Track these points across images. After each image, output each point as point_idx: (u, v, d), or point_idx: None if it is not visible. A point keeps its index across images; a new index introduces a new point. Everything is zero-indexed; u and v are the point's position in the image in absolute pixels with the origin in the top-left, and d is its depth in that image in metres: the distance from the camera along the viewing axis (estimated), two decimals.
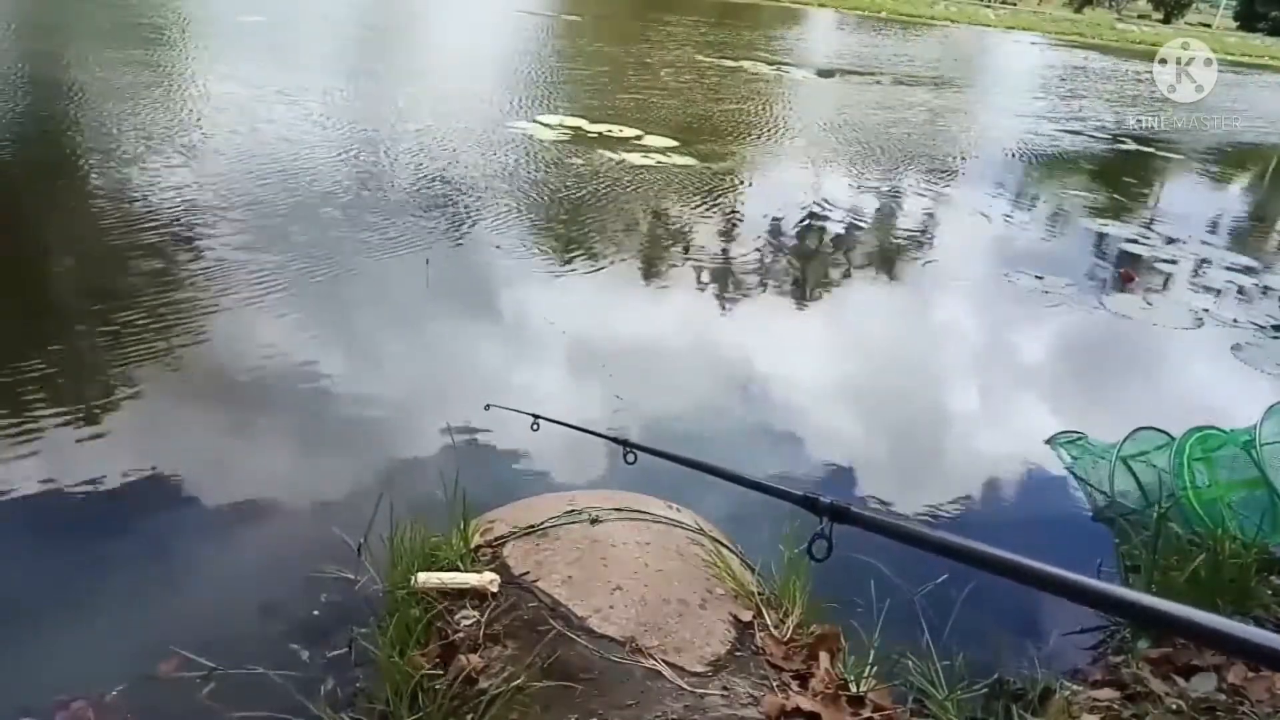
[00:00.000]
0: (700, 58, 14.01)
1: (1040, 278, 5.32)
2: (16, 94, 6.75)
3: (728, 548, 2.08)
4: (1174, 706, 1.77)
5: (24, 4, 11.71)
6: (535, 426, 2.43)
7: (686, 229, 5.54)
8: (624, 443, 1.93)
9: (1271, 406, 2.71)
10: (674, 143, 7.70)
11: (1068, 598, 0.78)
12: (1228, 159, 11.50)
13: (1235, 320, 4.98)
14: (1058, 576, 0.79)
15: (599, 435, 2.34)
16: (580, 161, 6.70)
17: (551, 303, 4.20)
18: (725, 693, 1.59)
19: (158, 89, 7.47)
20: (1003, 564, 0.85)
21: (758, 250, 5.36)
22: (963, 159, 9.05)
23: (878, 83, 13.96)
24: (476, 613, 1.80)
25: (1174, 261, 6.08)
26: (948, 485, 3.07)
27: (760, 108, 10.33)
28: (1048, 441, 3.34)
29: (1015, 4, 47.55)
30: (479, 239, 4.89)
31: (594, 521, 2.04)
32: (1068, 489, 3.08)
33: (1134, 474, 2.81)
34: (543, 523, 2.05)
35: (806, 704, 1.53)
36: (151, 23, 11.19)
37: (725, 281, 4.82)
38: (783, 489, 1.23)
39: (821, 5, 30.95)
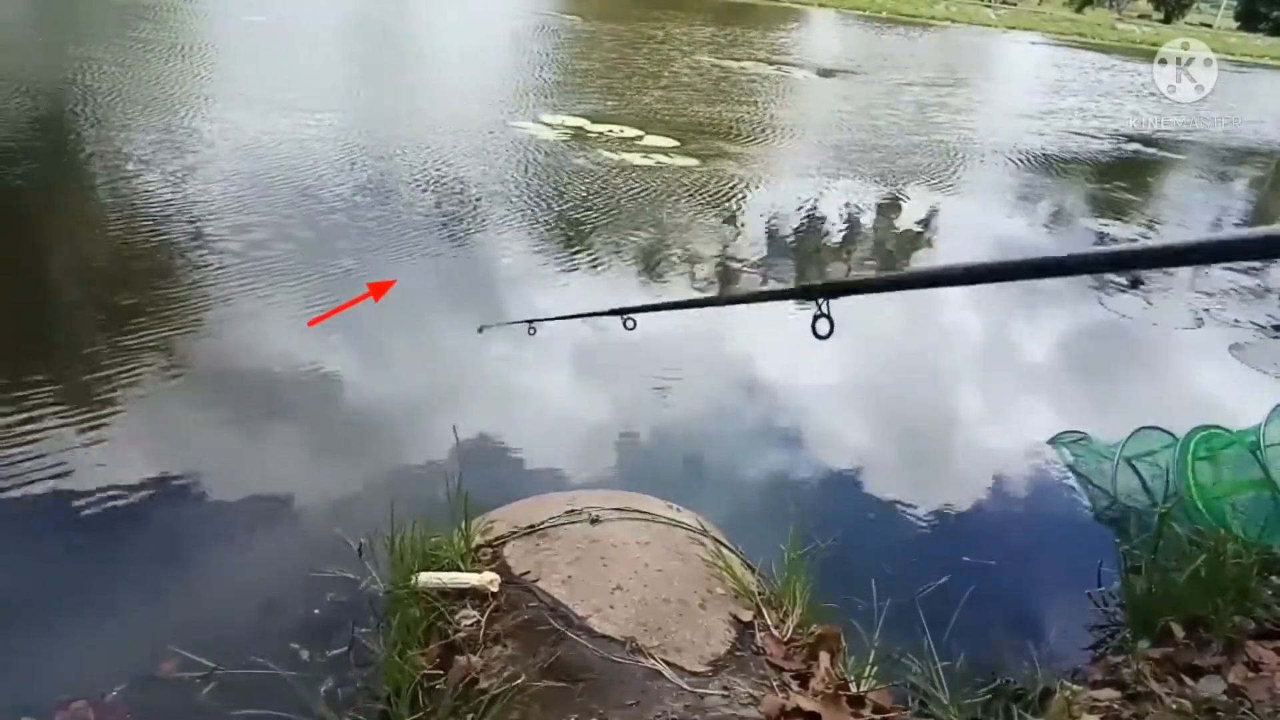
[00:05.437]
0: (702, 58, 14.00)
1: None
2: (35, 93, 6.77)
3: (728, 548, 2.08)
4: (1175, 706, 1.77)
5: (32, 2, 11.75)
6: (532, 331, 2.60)
7: (686, 229, 5.53)
8: (619, 312, 1.93)
9: (1277, 406, 2.69)
10: (674, 143, 7.70)
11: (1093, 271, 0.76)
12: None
13: (1236, 320, 4.97)
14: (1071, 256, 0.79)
15: (592, 314, 2.29)
16: (581, 162, 6.70)
17: (553, 300, 4.20)
18: (725, 693, 1.59)
19: (161, 91, 7.48)
20: (986, 269, 0.86)
21: (757, 249, 5.35)
22: (965, 161, 9.04)
23: (879, 83, 13.95)
24: (477, 613, 1.80)
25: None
26: (949, 486, 3.06)
27: (761, 108, 10.32)
28: (1050, 441, 3.34)
29: (1015, 4, 47.51)
30: (479, 239, 4.90)
31: (594, 521, 2.04)
32: (1070, 489, 3.08)
33: (1138, 473, 2.80)
34: (543, 522, 2.05)
35: (807, 704, 1.53)
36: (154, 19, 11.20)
37: (726, 280, 4.82)
38: (778, 290, 1.27)
39: (822, 5, 30.93)
